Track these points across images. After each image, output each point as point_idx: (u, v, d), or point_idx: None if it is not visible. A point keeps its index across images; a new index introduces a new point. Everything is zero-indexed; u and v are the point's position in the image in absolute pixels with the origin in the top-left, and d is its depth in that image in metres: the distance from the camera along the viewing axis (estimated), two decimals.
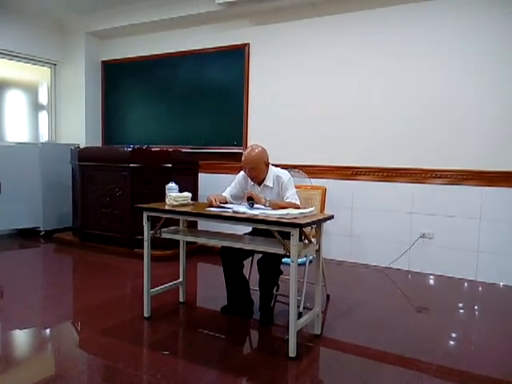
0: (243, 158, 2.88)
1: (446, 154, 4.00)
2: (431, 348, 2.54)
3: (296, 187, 2.95)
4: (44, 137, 6.18)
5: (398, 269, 4.20)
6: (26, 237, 5.41)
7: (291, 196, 2.83)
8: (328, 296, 3.37)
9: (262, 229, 2.52)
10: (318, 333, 2.68)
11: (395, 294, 3.71)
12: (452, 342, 2.76)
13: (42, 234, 5.41)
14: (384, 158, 4.27)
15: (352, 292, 3.63)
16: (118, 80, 6.03)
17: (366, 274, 4.20)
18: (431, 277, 4.03)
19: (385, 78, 4.25)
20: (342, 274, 4.17)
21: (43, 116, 6.20)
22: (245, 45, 4.99)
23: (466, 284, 3.85)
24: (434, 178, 4.06)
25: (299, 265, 2.39)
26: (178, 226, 3.06)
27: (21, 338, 2.69)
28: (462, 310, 3.33)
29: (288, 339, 2.35)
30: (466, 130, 3.92)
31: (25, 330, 2.76)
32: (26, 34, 5.63)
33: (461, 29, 3.90)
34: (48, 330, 2.80)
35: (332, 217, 2.68)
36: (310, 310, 2.70)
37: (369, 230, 4.37)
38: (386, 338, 2.67)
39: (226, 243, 2.69)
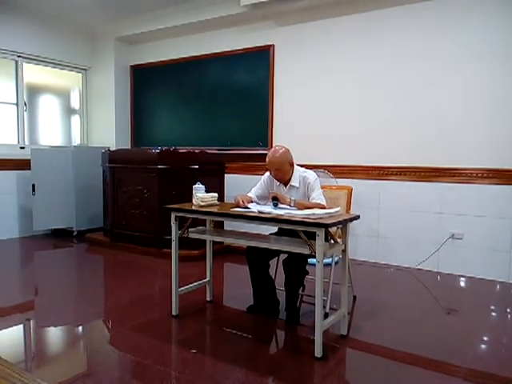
0: (267, 161, 2.90)
1: (475, 152, 3.90)
2: (461, 351, 2.49)
3: (321, 187, 2.94)
4: (76, 140, 6.39)
5: (426, 270, 4.13)
6: (59, 237, 5.60)
7: (317, 196, 2.83)
8: (354, 297, 3.35)
9: (288, 229, 2.53)
10: (345, 333, 2.67)
11: (424, 295, 3.65)
12: (482, 345, 2.70)
13: (74, 234, 5.58)
14: (411, 157, 4.20)
15: (379, 293, 3.59)
16: (147, 84, 6.17)
17: (393, 274, 4.15)
18: (461, 278, 3.94)
19: (414, 76, 4.17)
20: (369, 275, 4.13)
21: (75, 120, 6.41)
22: (269, 46, 5.02)
23: (498, 286, 3.75)
24: (463, 176, 3.97)
25: (325, 265, 2.39)
26: (205, 226, 3.11)
27: (55, 334, 2.80)
28: (493, 313, 3.24)
29: (314, 339, 2.35)
30: (495, 128, 3.81)
31: (59, 327, 2.86)
32: (58, 41, 5.85)
33: (482, 26, 3.81)
34: (80, 327, 2.90)
35: (358, 217, 2.67)
36: (336, 310, 2.69)
37: (396, 230, 4.32)
38: (413, 340, 2.64)
39: (252, 243, 2.71)
